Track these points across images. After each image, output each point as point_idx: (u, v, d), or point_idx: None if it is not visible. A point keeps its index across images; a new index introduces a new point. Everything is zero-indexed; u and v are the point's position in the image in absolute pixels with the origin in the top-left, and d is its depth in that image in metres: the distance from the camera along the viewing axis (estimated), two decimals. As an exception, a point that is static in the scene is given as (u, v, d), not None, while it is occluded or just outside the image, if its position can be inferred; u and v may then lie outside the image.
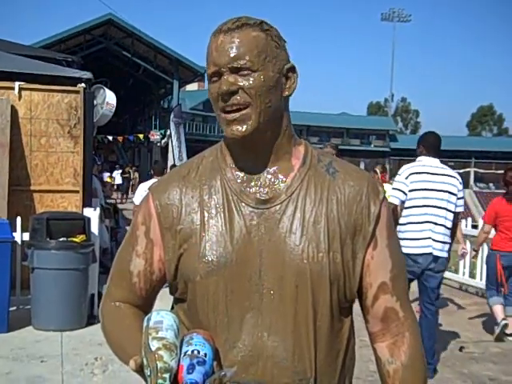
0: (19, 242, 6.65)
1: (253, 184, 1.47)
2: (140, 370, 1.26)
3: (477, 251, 7.83)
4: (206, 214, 1.46)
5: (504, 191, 6.87)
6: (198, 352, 1.27)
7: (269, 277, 1.41)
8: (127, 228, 1.62)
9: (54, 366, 5.24)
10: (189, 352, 1.27)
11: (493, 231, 7.05)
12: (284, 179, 1.47)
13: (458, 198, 5.37)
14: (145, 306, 1.56)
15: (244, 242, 1.43)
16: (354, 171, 1.53)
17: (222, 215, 1.45)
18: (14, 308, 6.57)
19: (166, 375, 1.22)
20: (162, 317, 1.31)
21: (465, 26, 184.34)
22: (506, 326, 6.53)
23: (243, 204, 1.45)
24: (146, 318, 1.33)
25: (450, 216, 5.26)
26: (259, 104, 1.41)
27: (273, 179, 1.47)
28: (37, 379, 4.91)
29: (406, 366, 1.51)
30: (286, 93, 1.47)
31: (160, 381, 1.21)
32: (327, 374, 1.45)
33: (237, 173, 1.49)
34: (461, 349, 6.22)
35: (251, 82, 1.40)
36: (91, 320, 6.50)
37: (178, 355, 1.27)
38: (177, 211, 1.48)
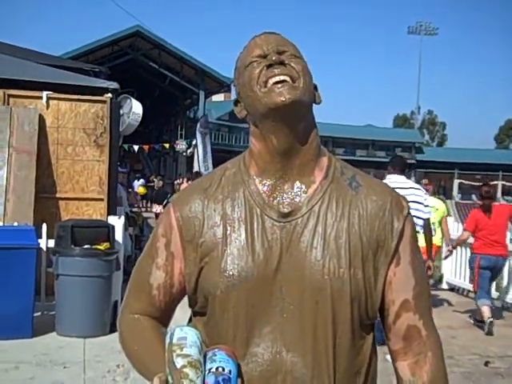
0: (44, 248, 6.72)
1: (276, 195, 1.45)
2: None
3: (451, 251, 8.75)
4: (228, 228, 1.45)
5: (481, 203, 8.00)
6: (223, 369, 1.26)
7: (289, 292, 1.39)
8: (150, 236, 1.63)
9: (76, 372, 5.27)
10: (213, 369, 1.26)
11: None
12: (306, 191, 1.45)
13: (425, 206, 6.30)
14: (163, 318, 1.55)
15: (265, 256, 1.41)
16: (377, 185, 1.51)
17: (244, 229, 1.44)
18: (39, 314, 6.62)
19: None
20: (186, 333, 1.30)
21: (492, 38, 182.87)
22: (492, 323, 7.36)
23: (266, 217, 1.44)
24: (169, 333, 1.31)
25: (420, 222, 6.19)
26: (304, 83, 1.42)
27: (295, 191, 1.45)
28: (59, 385, 4.95)
29: None
30: (317, 100, 1.50)
31: None
32: None
33: (260, 185, 1.47)
34: (486, 363, 6.12)
35: (295, 63, 1.43)
36: (114, 327, 6.51)
37: (203, 372, 1.25)
38: (199, 224, 1.47)
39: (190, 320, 1.57)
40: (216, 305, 1.43)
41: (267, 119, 1.42)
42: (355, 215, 1.44)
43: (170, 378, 1.23)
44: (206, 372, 1.25)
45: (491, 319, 7.39)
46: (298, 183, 1.45)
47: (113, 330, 6.48)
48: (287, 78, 1.40)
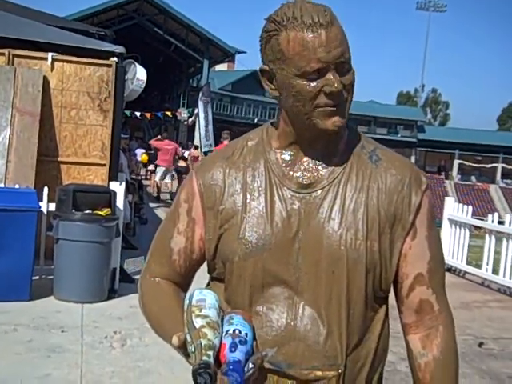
0: (45, 212, 6.69)
1: (296, 168, 1.48)
2: (183, 346, 1.27)
3: None
4: (248, 196, 1.48)
5: None
6: (240, 331, 1.29)
7: (306, 261, 1.42)
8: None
9: (74, 336, 5.29)
10: (230, 331, 1.29)
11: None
12: (327, 165, 1.47)
13: None
14: (183, 283, 1.58)
15: (283, 225, 1.44)
16: (397, 160, 1.53)
17: (264, 198, 1.46)
18: (37, 277, 6.62)
19: (210, 352, 1.23)
20: (205, 295, 1.34)
21: (501, 18, 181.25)
22: None
23: (285, 188, 1.46)
24: (188, 295, 1.35)
25: None
26: (351, 99, 1.43)
27: (316, 164, 1.47)
28: (56, 349, 4.97)
29: (437, 360, 1.50)
30: None
31: (205, 357, 1.22)
32: (358, 362, 1.45)
33: (281, 156, 1.49)
34: (480, 344, 6.17)
35: (349, 80, 1.41)
36: (112, 294, 6.55)
37: (221, 334, 1.28)
38: (220, 191, 1.50)
39: (207, 286, 1.59)
40: (233, 271, 1.46)
41: (309, 131, 1.44)
42: (374, 188, 1.46)
43: (188, 337, 1.26)
44: (223, 334, 1.29)
45: None
46: (319, 156, 1.48)
47: (111, 296, 6.50)
48: (337, 109, 1.40)
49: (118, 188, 7.05)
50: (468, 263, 9.65)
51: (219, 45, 30.87)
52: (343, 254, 1.41)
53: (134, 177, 13.03)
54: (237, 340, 1.26)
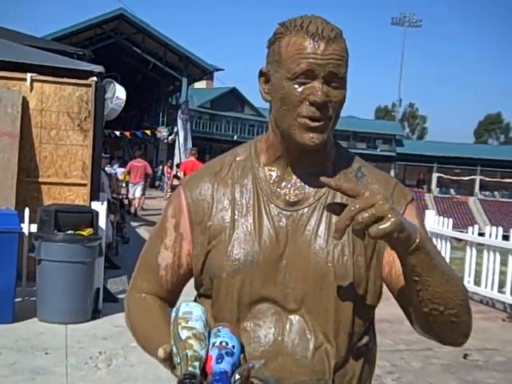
0: (26, 233, 6.62)
1: (283, 185, 1.49)
2: (169, 358, 1.27)
3: None
4: (236, 213, 1.48)
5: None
6: (227, 343, 1.29)
7: (293, 278, 1.43)
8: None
9: (59, 358, 5.23)
10: (217, 343, 1.29)
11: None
12: (314, 182, 1.47)
13: None
14: (170, 298, 1.57)
15: (271, 242, 1.45)
16: (381, 176, 1.56)
17: (252, 215, 1.47)
18: (20, 299, 6.54)
19: (196, 363, 1.23)
20: (191, 308, 1.34)
21: (475, 33, 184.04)
22: None
23: (273, 205, 1.48)
24: (175, 308, 1.35)
25: None
26: (335, 118, 1.43)
27: (303, 181, 1.49)
28: (41, 371, 4.91)
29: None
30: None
31: (190, 368, 1.22)
32: (346, 376, 1.45)
33: (269, 173, 1.51)
34: (465, 356, 6.19)
35: (337, 98, 1.41)
36: (96, 314, 6.49)
37: (207, 345, 1.28)
38: (208, 207, 1.50)
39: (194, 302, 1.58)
40: (221, 287, 1.46)
41: (290, 141, 1.45)
42: None
43: (174, 349, 1.26)
44: (210, 346, 1.29)
45: None
46: (306, 174, 1.49)
47: (95, 316, 6.44)
48: (320, 125, 1.40)
49: (100, 207, 7.01)
50: (450, 275, 9.70)
51: (197, 62, 30.97)
52: (330, 270, 1.42)
53: (115, 196, 12.97)
54: (223, 352, 1.27)
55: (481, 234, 9.25)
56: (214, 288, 1.48)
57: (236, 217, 1.47)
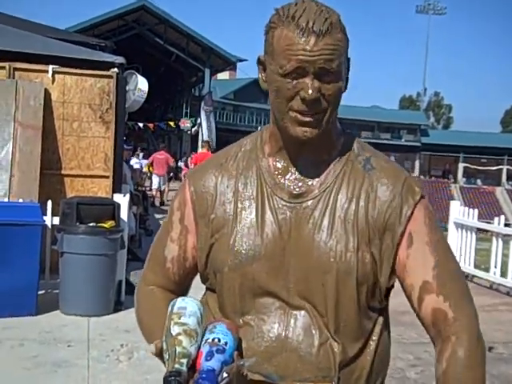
0: (49, 225, 6.65)
1: (288, 176, 1.45)
2: (160, 354, 1.26)
3: None
4: (239, 205, 1.46)
5: None
6: (219, 340, 1.27)
7: (296, 272, 1.40)
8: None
9: (81, 351, 5.25)
10: (209, 340, 1.28)
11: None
12: (319, 173, 1.45)
13: None
14: (179, 291, 1.56)
15: (274, 236, 1.42)
16: (391, 169, 1.48)
17: (255, 207, 1.45)
18: (43, 292, 6.59)
19: (184, 360, 1.21)
20: (186, 303, 1.32)
21: (501, 19, 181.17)
22: None
23: (276, 197, 1.44)
24: (171, 303, 1.33)
25: None
26: (331, 110, 1.39)
27: (308, 173, 1.44)
28: (63, 363, 4.93)
29: (446, 374, 1.36)
30: (344, 90, 1.44)
31: (177, 365, 1.20)
32: (353, 374, 1.41)
33: (273, 163, 1.47)
34: (490, 349, 6.08)
35: (331, 91, 1.37)
36: (118, 306, 6.50)
37: (199, 342, 1.27)
38: (211, 199, 1.48)
39: (204, 295, 1.57)
40: (223, 282, 1.44)
41: (285, 133, 1.42)
42: (365, 198, 1.43)
43: (164, 345, 1.25)
44: (203, 342, 1.27)
45: None
46: (311, 165, 1.45)
47: (117, 309, 6.46)
48: (311, 119, 1.37)
49: (122, 200, 7.02)
50: (476, 267, 9.58)
51: (220, 53, 30.91)
52: (333, 266, 1.38)
53: (138, 188, 13.01)
54: (214, 349, 1.25)
55: (507, 225, 9.09)
56: (217, 282, 1.46)
57: (239, 209, 1.45)
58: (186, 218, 1.51)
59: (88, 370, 4.82)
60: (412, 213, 1.42)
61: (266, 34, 1.41)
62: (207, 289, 1.54)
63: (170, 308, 1.32)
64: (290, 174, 1.45)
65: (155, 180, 18.93)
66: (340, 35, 1.36)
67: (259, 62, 1.45)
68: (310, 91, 1.33)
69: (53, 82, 7.86)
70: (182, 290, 1.57)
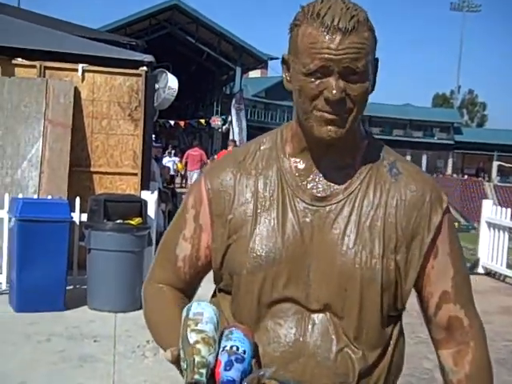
0: (77, 222, 6.73)
1: (310, 178, 1.41)
2: (176, 361, 1.21)
3: None
4: (258, 206, 1.40)
5: None
6: (237, 348, 1.22)
7: (317, 277, 1.36)
8: None
9: (107, 346, 5.29)
10: (227, 348, 1.22)
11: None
12: (343, 177, 1.40)
13: None
14: (188, 290, 1.53)
15: (295, 239, 1.37)
16: (417, 174, 1.45)
17: (275, 209, 1.39)
18: (71, 287, 6.66)
19: (203, 370, 1.17)
20: (203, 308, 1.26)
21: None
22: None
23: (298, 199, 1.39)
24: (186, 307, 1.28)
25: None
26: (356, 111, 1.35)
27: (332, 175, 1.40)
28: (89, 358, 4.97)
29: (469, 378, 1.45)
30: (371, 91, 1.40)
31: (196, 376, 1.16)
32: (370, 380, 1.39)
33: (295, 164, 1.43)
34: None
35: (357, 92, 1.33)
36: (145, 303, 6.53)
37: (217, 350, 1.22)
38: (229, 199, 1.43)
39: (214, 295, 1.53)
40: (241, 285, 1.39)
41: (309, 134, 1.38)
42: (392, 205, 1.39)
43: (182, 353, 1.20)
44: (220, 350, 1.23)
45: None
46: (335, 168, 1.40)
47: (144, 305, 6.48)
48: (337, 118, 1.33)
49: (150, 197, 7.05)
50: (508, 267, 9.43)
51: (251, 52, 30.94)
52: (357, 272, 1.35)
53: (167, 185, 13.07)
54: (233, 358, 1.20)
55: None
56: (234, 285, 1.41)
57: (258, 210, 1.40)
58: (201, 217, 1.46)
59: (114, 366, 4.86)
60: (441, 221, 1.41)
61: (290, 31, 1.37)
62: (220, 290, 1.49)
63: (184, 313, 1.27)
64: (312, 176, 1.41)
65: (189, 175, 19.49)
66: (367, 34, 1.32)
67: (283, 61, 1.41)
68: (334, 91, 1.29)
69: (82, 81, 7.95)
70: (191, 289, 1.54)
